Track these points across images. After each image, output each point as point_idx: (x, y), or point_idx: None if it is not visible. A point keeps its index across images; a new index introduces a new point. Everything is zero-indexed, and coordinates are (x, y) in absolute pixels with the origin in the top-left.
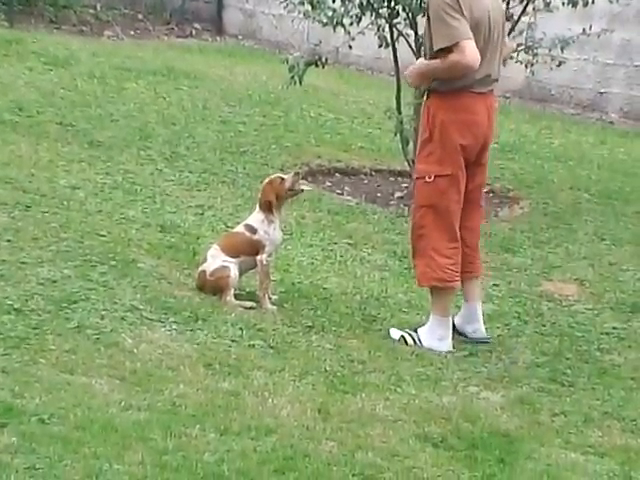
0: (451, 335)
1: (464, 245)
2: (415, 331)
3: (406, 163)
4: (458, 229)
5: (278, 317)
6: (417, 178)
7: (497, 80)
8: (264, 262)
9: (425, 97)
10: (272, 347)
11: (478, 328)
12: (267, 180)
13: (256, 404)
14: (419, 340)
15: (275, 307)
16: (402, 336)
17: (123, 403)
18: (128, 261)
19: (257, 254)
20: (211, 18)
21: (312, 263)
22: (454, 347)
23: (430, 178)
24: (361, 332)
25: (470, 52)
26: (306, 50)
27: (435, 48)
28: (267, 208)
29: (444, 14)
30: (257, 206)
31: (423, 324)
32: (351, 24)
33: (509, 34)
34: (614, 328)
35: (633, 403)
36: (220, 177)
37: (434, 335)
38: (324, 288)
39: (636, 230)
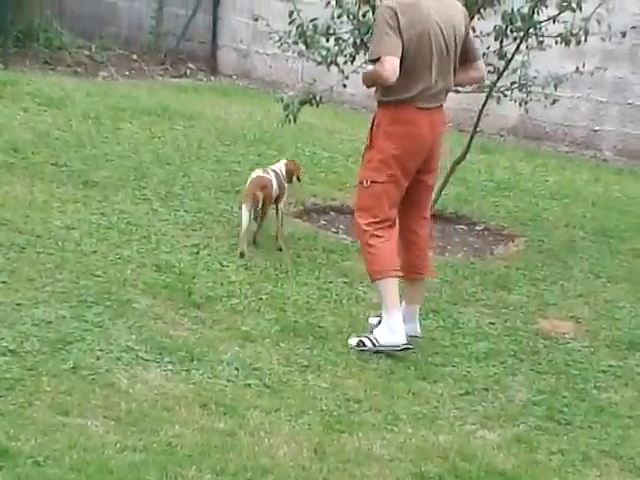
0: (403, 328)
1: (413, 248)
2: (371, 332)
3: None
4: (397, 227)
5: (274, 356)
6: (358, 182)
7: (445, 93)
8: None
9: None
10: (268, 387)
11: (414, 327)
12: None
13: (252, 444)
14: (375, 340)
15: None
16: (360, 340)
17: (119, 444)
18: (123, 301)
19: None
20: (205, 58)
21: (307, 302)
22: (410, 344)
23: (367, 183)
24: (357, 371)
25: (388, 67)
26: (300, 89)
27: (367, 59)
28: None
29: (380, 28)
30: (284, 170)
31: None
32: (345, 63)
33: (502, 72)
34: (610, 366)
35: (631, 441)
36: (215, 216)
37: (387, 329)
38: (320, 327)
39: (631, 267)
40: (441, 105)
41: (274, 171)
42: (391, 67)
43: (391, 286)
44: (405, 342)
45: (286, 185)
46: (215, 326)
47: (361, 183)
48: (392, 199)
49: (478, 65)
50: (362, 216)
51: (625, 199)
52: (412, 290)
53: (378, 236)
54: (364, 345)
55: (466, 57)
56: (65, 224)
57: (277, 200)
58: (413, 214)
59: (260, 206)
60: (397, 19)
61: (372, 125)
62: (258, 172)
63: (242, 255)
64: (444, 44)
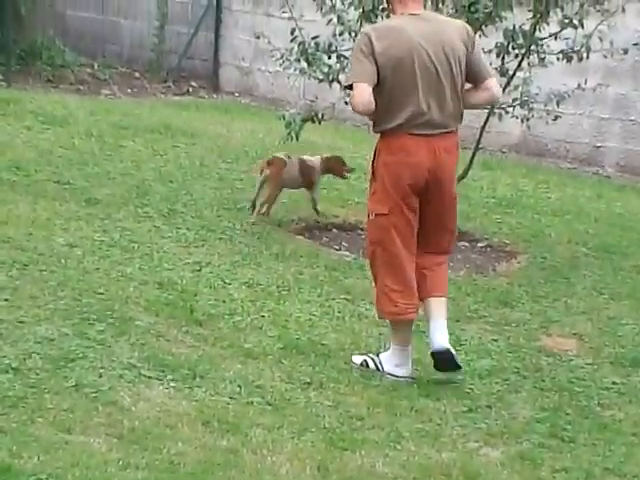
0: (410, 362)
1: (424, 269)
2: (377, 355)
3: None
4: (411, 264)
5: (276, 374)
6: (367, 215)
7: (452, 118)
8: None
9: None
10: (270, 404)
11: (438, 341)
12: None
13: (255, 462)
14: (380, 364)
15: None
16: (364, 360)
17: (121, 462)
18: (126, 319)
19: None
20: (207, 75)
21: (310, 319)
22: (414, 375)
23: (372, 216)
24: (360, 388)
25: (357, 95)
26: (302, 106)
27: (342, 86)
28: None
29: (354, 56)
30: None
31: (387, 349)
32: None
33: (504, 89)
34: (614, 383)
35: (635, 459)
36: (217, 234)
37: (392, 362)
38: (322, 344)
39: (634, 284)
40: (449, 131)
41: (301, 159)
42: (359, 94)
43: (404, 327)
44: (409, 375)
45: (317, 177)
46: (217, 343)
47: (368, 216)
48: (402, 232)
49: (487, 84)
50: (375, 251)
51: (628, 215)
52: (427, 306)
53: (402, 269)
54: (367, 366)
55: (474, 78)
56: (68, 242)
57: (309, 188)
58: (421, 249)
59: (263, 179)
60: (371, 45)
61: (373, 156)
62: (279, 153)
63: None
64: (433, 67)
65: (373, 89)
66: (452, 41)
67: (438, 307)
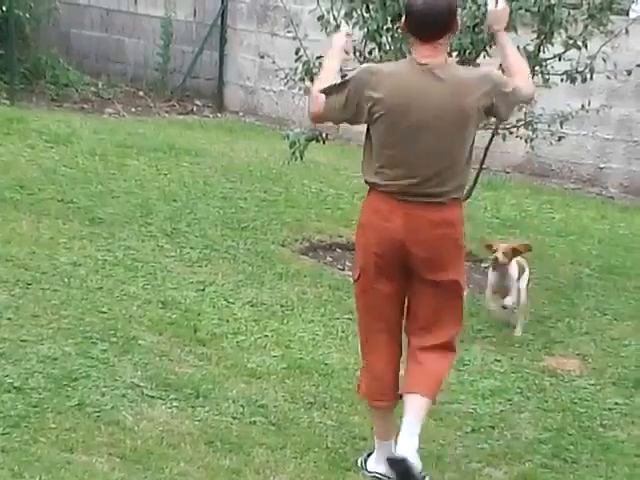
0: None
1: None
2: (368, 456)
3: None
4: (385, 348)
5: (279, 393)
6: None
7: (436, 191)
8: None
9: None
10: (273, 424)
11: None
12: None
13: None
14: (365, 464)
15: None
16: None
17: None
18: (129, 338)
19: None
20: (212, 95)
21: (313, 339)
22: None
23: (352, 281)
24: (363, 408)
25: (313, 99)
26: (307, 126)
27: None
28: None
29: (348, 76)
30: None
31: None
32: None
33: None
34: (617, 404)
35: None
36: (221, 253)
37: (375, 459)
38: (325, 364)
39: (638, 305)
40: (439, 202)
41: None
42: (315, 102)
43: (375, 415)
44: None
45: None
46: (221, 363)
47: None
48: (372, 303)
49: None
50: (358, 318)
51: (631, 236)
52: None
53: (371, 352)
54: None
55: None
56: (71, 261)
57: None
58: (409, 331)
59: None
60: (363, 85)
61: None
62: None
63: None
64: (427, 130)
65: (367, 132)
66: (461, 103)
67: (413, 406)
